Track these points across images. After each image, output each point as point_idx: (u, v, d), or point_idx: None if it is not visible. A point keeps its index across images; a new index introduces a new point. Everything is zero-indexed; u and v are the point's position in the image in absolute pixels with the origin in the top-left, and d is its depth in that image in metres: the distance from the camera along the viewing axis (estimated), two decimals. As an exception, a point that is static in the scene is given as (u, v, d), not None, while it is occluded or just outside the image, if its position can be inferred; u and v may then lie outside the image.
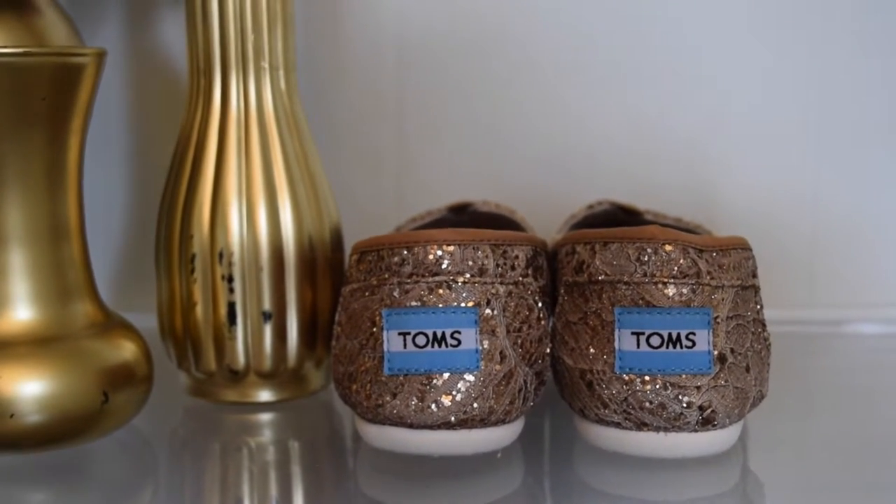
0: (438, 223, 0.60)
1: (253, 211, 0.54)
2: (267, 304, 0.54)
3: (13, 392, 0.46)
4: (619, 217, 0.60)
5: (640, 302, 0.45)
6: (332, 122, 0.68)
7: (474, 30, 0.68)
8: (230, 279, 0.54)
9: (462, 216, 0.61)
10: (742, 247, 0.47)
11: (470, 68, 0.69)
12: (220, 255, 0.54)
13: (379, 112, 0.70)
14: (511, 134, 0.69)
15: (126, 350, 0.50)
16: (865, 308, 0.70)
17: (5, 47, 0.46)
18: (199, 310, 0.54)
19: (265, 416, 0.56)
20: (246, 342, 0.54)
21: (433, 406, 0.45)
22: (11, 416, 0.46)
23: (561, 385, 0.48)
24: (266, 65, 0.54)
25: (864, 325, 0.70)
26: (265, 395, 0.56)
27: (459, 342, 0.45)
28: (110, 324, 0.51)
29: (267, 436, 0.55)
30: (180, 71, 0.68)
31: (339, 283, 0.56)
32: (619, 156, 0.69)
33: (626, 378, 0.45)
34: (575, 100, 0.69)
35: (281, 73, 0.55)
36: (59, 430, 0.47)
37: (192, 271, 0.54)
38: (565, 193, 0.66)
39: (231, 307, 0.54)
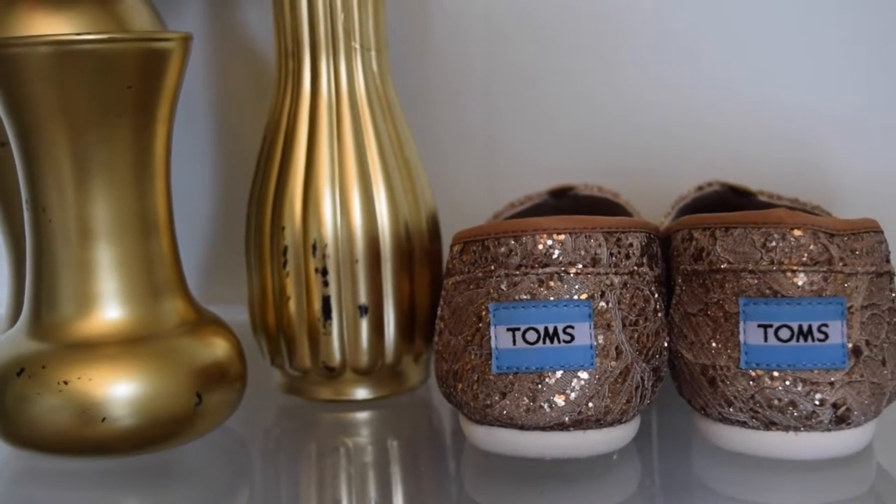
0: (539, 208, 0.57)
1: (347, 200, 0.51)
2: (363, 298, 0.52)
3: (104, 395, 0.45)
4: (730, 199, 0.57)
5: (767, 292, 0.42)
6: (419, 102, 0.65)
7: (569, 3, 0.65)
8: (324, 272, 0.51)
9: (563, 201, 0.58)
10: (874, 230, 0.44)
11: (565, 42, 0.66)
12: (314, 247, 0.51)
13: (468, 91, 0.67)
14: (610, 111, 0.66)
15: (219, 348, 0.48)
16: None
17: (88, 34, 0.44)
18: (292, 304, 0.52)
19: (362, 415, 0.54)
20: (342, 337, 0.52)
21: (545, 406, 0.42)
22: (103, 419, 0.44)
23: (679, 381, 0.46)
24: (357, 45, 0.52)
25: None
26: (362, 393, 0.54)
27: (573, 337, 0.42)
28: (202, 321, 0.49)
29: (364, 435, 0.53)
30: (265, 54, 0.66)
31: (437, 274, 0.54)
32: (725, 133, 0.65)
33: (753, 374, 0.42)
34: (678, 73, 0.65)
35: (372, 53, 0.53)
36: (152, 434, 0.46)
37: (285, 264, 0.52)
38: (669, 174, 0.63)
39: (326, 301, 0.52)
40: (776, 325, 0.42)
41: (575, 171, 0.63)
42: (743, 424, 0.43)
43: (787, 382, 0.42)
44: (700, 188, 0.58)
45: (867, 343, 0.42)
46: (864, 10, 0.64)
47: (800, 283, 0.42)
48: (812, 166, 0.65)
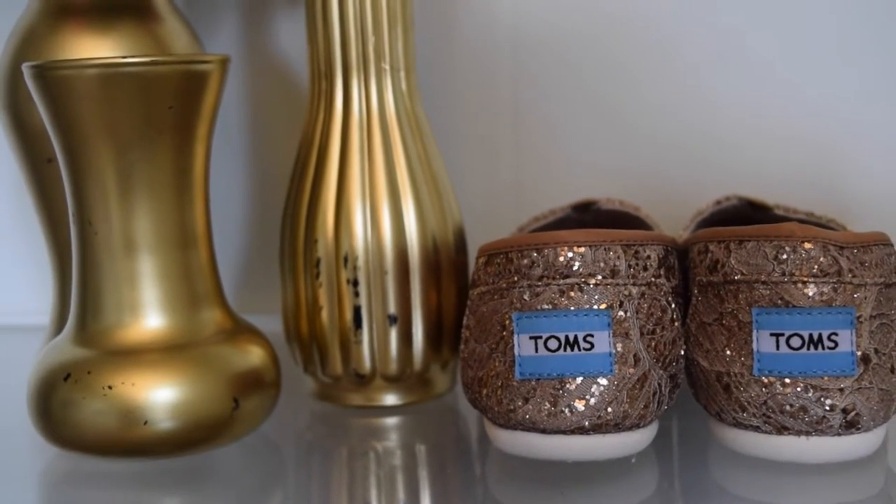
0: (562, 222, 0.59)
1: (377, 214, 0.53)
2: (392, 308, 0.54)
3: (146, 399, 0.47)
4: (747, 212, 0.58)
5: (779, 302, 0.44)
6: (446, 119, 0.67)
7: (593, 20, 0.67)
8: (355, 283, 0.53)
9: (586, 214, 0.60)
10: (883, 242, 0.46)
11: (589, 60, 0.67)
12: (345, 259, 0.53)
13: (494, 109, 0.69)
14: (632, 128, 0.68)
15: (255, 356, 0.50)
16: None
17: (133, 57, 0.46)
18: (324, 314, 0.54)
19: (391, 420, 0.56)
20: (372, 346, 0.54)
21: (566, 411, 0.44)
22: (145, 423, 0.47)
23: (695, 388, 0.47)
24: (387, 66, 0.54)
25: None
26: (391, 399, 0.56)
27: (592, 345, 0.44)
28: (238, 329, 0.51)
29: (393, 440, 0.55)
30: (297, 74, 0.68)
31: (464, 285, 0.56)
32: (744, 148, 0.67)
33: (766, 380, 0.44)
34: (698, 91, 0.67)
35: (402, 74, 0.55)
36: (191, 437, 0.48)
37: (318, 275, 0.54)
38: (689, 188, 0.65)
39: (357, 311, 0.53)
40: (788, 333, 0.44)
41: (598, 186, 0.65)
42: (756, 429, 0.45)
43: (799, 389, 0.43)
44: (718, 202, 0.59)
45: (876, 351, 0.44)
46: (885, 23, 0.66)
47: (810, 294, 0.44)
48: (832, 181, 0.66)
